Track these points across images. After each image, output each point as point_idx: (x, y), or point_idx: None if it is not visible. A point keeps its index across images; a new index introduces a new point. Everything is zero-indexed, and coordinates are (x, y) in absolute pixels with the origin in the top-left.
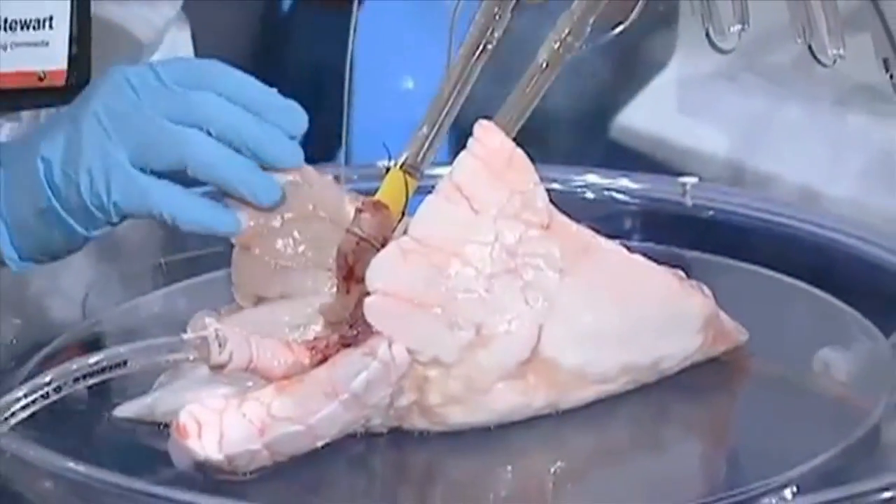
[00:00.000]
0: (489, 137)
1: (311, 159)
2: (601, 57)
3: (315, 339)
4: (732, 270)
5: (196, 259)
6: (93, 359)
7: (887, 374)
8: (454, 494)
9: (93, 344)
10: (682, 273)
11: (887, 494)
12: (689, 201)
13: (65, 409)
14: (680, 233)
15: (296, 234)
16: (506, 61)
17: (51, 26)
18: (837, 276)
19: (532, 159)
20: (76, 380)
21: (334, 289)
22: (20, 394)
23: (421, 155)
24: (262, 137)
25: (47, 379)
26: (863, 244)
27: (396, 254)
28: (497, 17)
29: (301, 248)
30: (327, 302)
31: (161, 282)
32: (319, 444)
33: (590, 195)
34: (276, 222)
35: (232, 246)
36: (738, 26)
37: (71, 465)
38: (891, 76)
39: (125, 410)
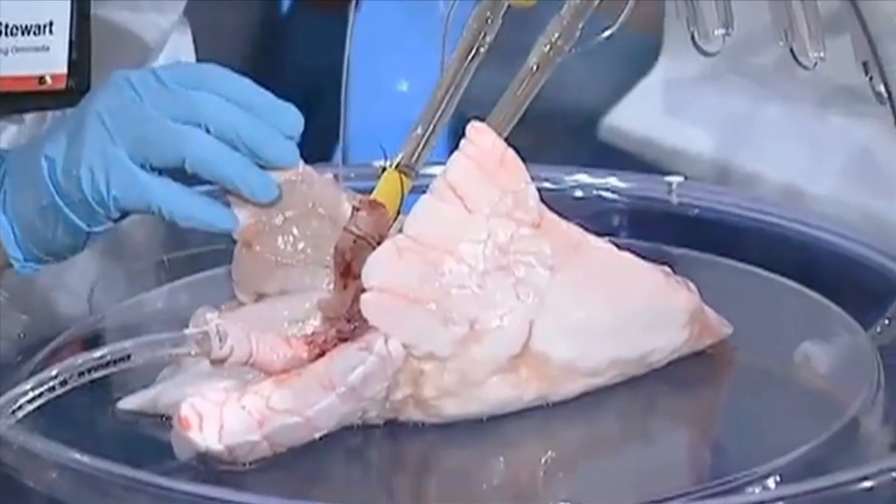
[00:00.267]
0: (482, 138)
1: (308, 159)
2: (590, 59)
3: (313, 333)
4: (717, 267)
5: (197, 256)
6: (98, 353)
7: (867, 368)
8: (449, 484)
9: (97, 339)
10: (668, 269)
11: (867, 484)
12: (674, 199)
13: (71, 402)
14: (666, 230)
15: (295, 231)
16: (498, 64)
17: (51, 31)
18: (818, 272)
19: (523, 159)
20: (81, 373)
21: (332, 285)
22: (27, 387)
23: (415, 155)
24: (260, 136)
25: (53, 373)
26: (843, 241)
27: (392, 251)
28: (489, 22)
29: (300, 246)
30: (325, 298)
31: (164, 278)
32: (317, 435)
33: (579, 194)
34: (277, 220)
35: (234, 243)
36: (723, 30)
37: (76, 456)
38: (870, 78)
39: (129, 403)
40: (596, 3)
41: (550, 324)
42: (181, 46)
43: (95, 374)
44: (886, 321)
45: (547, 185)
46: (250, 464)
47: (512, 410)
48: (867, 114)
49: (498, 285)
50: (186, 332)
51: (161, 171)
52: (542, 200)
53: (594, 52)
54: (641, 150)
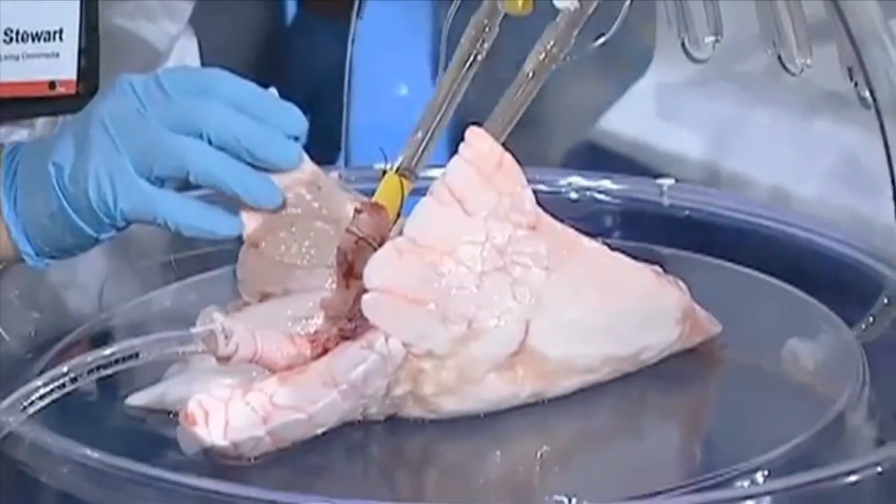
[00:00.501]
0: (480, 142)
1: (311, 161)
2: (584, 66)
3: (316, 332)
4: (707, 266)
5: (204, 256)
6: (107, 351)
7: (852, 364)
8: (447, 478)
9: (107, 337)
10: (659, 269)
11: (853, 478)
12: (666, 201)
13: (80, 399)
14: (658, 231)
15: (301, 233)
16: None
17: (61, 38)
18: (805, 272)
19: (520, 163)
20: (91, 371)
21: (334, 285)
22: (38, 384)
23: (415, 159)
24: (262, 140)
25: (64, 370)
26: (828, 241)
27: (393, 252)
28: (486, 30)
29: (305, 247)
30: (328, 297)
31: (171, 278)
32: (319, 431)
33: (573, 196)
34: (284, 222)
35: (240, 244)
36: (712, 37)
37: (86, 451)
38: (855, 84)
39: (137, 399)
40: (590, 12)
41: (546, 323)
42: (187, 52)
43: (104, 372)
44: (871, 319)
45: (542, 187)
46: (255, 458)
47: (509, 407)
48: (852, 118)
49: (495, 286)
50: (193, 330)
51: (165, 181)
52: (538, 202)
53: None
54: (633, 154)
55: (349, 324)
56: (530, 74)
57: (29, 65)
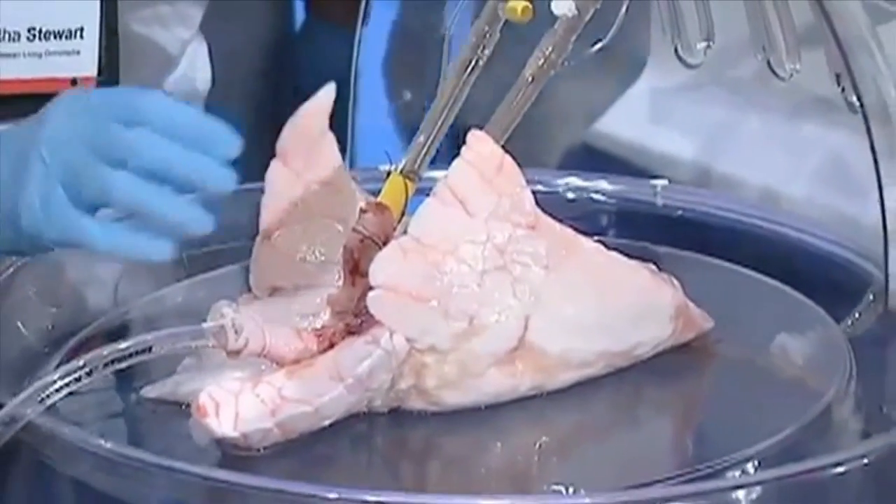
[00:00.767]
0: (481, 145)
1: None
2: (581, 71)
3: (323, 327)
4: (699, 265)
5: (215, 253)
6: (122, 345)
7: (839, 359)
8: (449, 468)
9: (121, 331)
10: (654, 267)
11: (840, 469)
12: (659, 201)
13: (96, 391)
14: (652, 230)
15: (313, 229)
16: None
17: (81, 37)
18: (794, 269)
19: (519, 165)
20: (106, 364)
21: (341, 282)
22: (55, 376)
23: (419, 161)
24: (192, 167)
25: (80, 363)
26: (816, 240)
27: (397, 251)
28: (487, 37)
29: (315, 245)
30: (334, 294)
31: (183, 275)
32: (326, 423)
33: (571, 196)
34: (298, 216)
35: (251, 241)
36: (704, 43)
37: (101, 441)
38: (842, 89)
39: (151, 392)
40: (587, 19)
41: (545, 319)
42: (198, 56)
43: (119, 365)
44: (857, 315)
45: (541, 188)
46: (264, 449)
47: (508, 400)
48: (840, 122)
49: (496, 284)
50: (204, 325)
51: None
52: (537, 203)
53: (585, 64)
54: (628, 155)
55: (355, 320)
56: (529, 79)
57: (51, 62)
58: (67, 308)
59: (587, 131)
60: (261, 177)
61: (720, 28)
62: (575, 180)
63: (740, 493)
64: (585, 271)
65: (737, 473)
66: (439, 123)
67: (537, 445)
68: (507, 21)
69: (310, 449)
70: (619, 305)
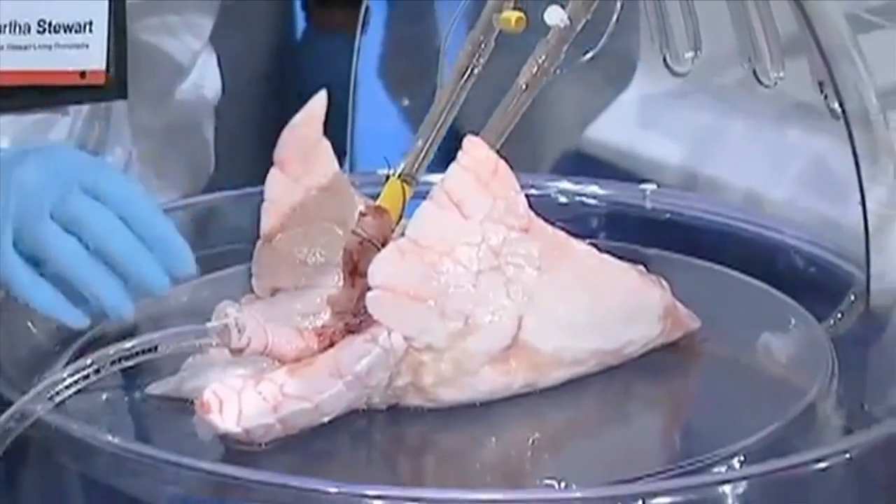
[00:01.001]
0: (476, 150)
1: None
2: (573, 79)
3: (323, 326)
4: (687, 266)
5: (219, 255)
6: (128, 344)
7: (822, 357)
8: (445, 463)
9: (128, 330)
10: (643, 269)
11: (823, 464)
12: (648, 205)
13: (104, 388)
14: (641, 233)
15: (313, 233)
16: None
17: (90, 30)
18: (778, 271)
19: (513, 169)
20: (113, 362)
21: (341, 283)
22: (64, 374)
23: (416, 165)
24: (136, 263)
25: (88, 361)
26: (799, 242)
27: (395, 253)
28: (482, 45)
29: (316, 247)
30: (334, 294)
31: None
32: (326, 419)
33: (563, 200)
34: (298, 221)
35: (254, 244)
36: (692, 52)
37: (108, 437)
38: (825, 96)
39: (156, 389)
40: (579, 29)
41: (538, 319)
42: (207, 66)
43: (126, 363)
44: (839, 315)
45: (534, 192)
46: (266, 444)
47: (502, 397)
48: (822, 128)
49: (490, 284)
50: (208, 324)
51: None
52: (530, 206)
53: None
54: (618, 161)
55: (354, 319)
56: (523, 87)
57: (60, 54)
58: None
59: (579, 137)
60: (264, 181)
61: (707, 38)
62: (567, 184)
63: (726, 488)
64: (577, 272)
65: (723, 468)
66: (436, 129)
67: (530, 441)
68: (501, 31)
69: (310, 444)
70: (609, 305)
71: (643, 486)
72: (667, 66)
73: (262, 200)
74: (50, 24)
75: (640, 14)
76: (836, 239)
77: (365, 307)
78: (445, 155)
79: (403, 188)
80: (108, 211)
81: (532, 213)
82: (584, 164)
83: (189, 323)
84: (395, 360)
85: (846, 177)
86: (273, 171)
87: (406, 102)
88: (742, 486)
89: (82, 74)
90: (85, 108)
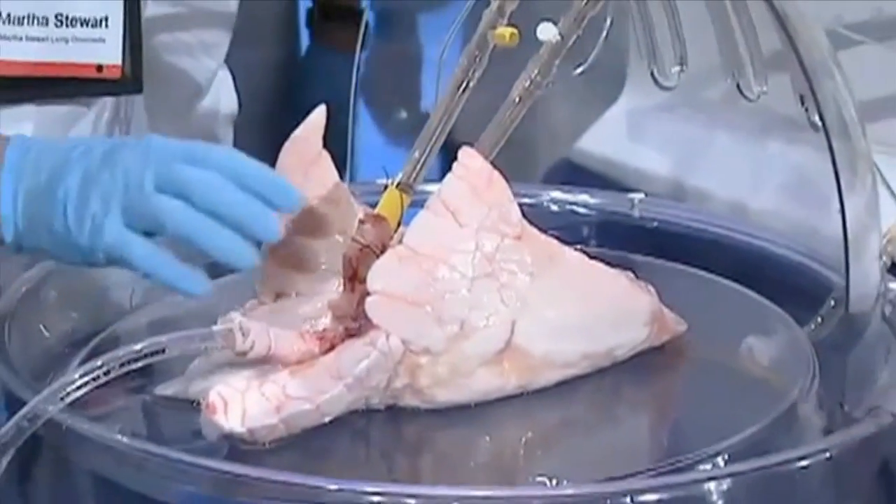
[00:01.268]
0: (471, 161)
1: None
2: (564, 92)
3: (324, 330)
4: (674, 272)
5: None
6: (137, 346)
7: (803, 360)
8: (441, 460)
9: (137, 333)
10: (631, 275)
11: (804, 462)
12: (637, 214)
13: (113, 389)
14: (629, 240)
15: (315, 242)
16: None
17: (106, 26)
18: (761, 277)
19: (507, 179)
20: (123, 364)
21: (341, 288)
22: (75, 376)
23: (413, 175)
24: (244, 211)
25: (98, 363)
26: (782, 249)
27: (393, 259)
28: (477, 60)
29: (318, 255)
30: (335, 299)
31: None
32: (327, 419)
33: (554, 209)
34: (300, 230)
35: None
36: (678, 67)
37: (117, 436)
38: (806, 109)
39: (164, 390)
40: (569, 44)
41: (530, 323)
42: (223, 84)
43: (135, 365)
44: (820, 319)
45: (527, 201)
46: (269, 443)
47: (496, 398)
48: (803, 140)
49: (485, 290)
50: (214, 328)
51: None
52: (523, 215)
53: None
54: (608, 171)
55: (354, 323)
56: (516, 100)
57: (77, 48)
58: (87, 312)
59: (570, 148)
60: None
61: (693, 53)
62: (558, 194)
63: (711, 485)
64: (568, 278)
65: (708, 466)
66: (433, 140)
67: (523, 440)
68: (495, 46)
69: (312, 443)
70: (599, 310)
71: (631, 484)
72: (654, 80)
73: None
74: (67, 18)
75: (629, 30)
76: (816, 246)
77: (364, 312)
78: (442, 165)
79: (401, 197)
80: (211, 171)
81: (525, 222)
82: (575, 174)
83: (196, 326)
84: (393, 362)
85: (826, 187)
86: None
87: (404, 115)
88: (726, 484)
89: (99, 68)
90: (105, 115)
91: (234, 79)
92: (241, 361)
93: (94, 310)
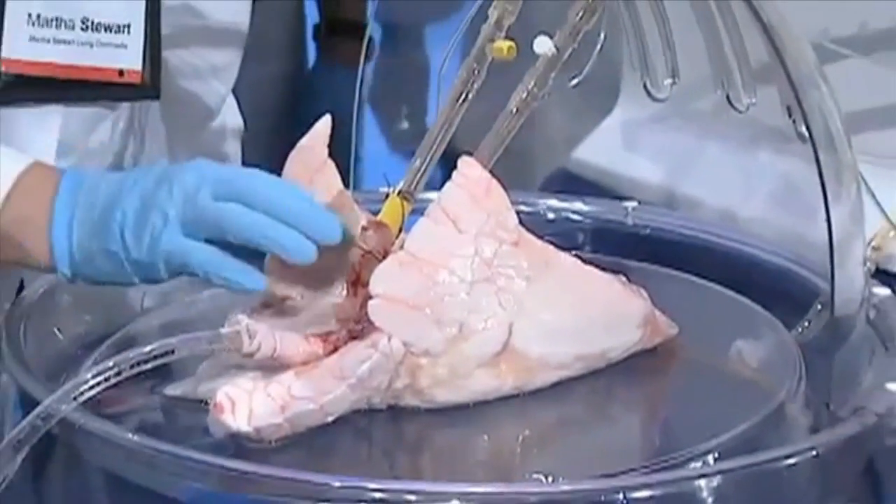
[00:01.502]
0: (470, 170)
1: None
2: (560, 104)
3: (328, 333)
4: (666, 277)
5: None
6: (147, 348)
7: (790, 362)
8: (440, 458)
9: (147, 336)
10: (624, 279)
11: (791, 460)
12: (630, 221)
13: (124, 389)
14: (623, 247)
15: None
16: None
17: (128, 32)
18: (750, 282)
19: (505, 187)
20: (133, 365)
21: (344, 292)
22: (88, 376)
23: (414, 183)
24: (300, 216)
25: (110, 364)
26: (770, 256)
27: (395, 264)
28: (476, 72)
29: (321, 259)
30: (338, 303)
31: (203, 285)
32: (330, 418)
33: (551, 216)
34: None
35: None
36: (670, 80)
37: (128, 435)
38: (793, 120)
39: (173, 390)
40: (565, 57)
41: (527, 325)
42: (228, 109)
43: (145, 366)
44: (806, 323)
45: (524, 208)
46: (274, 442)
47: (494, 398)
48: (791, 151)
49: (483, 293)
50: (222, 330)
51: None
52: (520, 221)
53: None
54: (602, 180)
55: (357, 326)
56: (514, 111)
57: (101, 52)
58: (99, 315)
59: (566, 158)
60: None
61: (684, 66)
62: (554, 202)
63: (702, 482)
64: (563, 283)
65: (698, 464)
66: (433, 150)
67: (519, 439)
68: (494, 59)
69: (316, 441)
70: (593, 313)
71: (624, 481)
72: (647, 92)
73: None
74: (92, 23)
75: (623, 44)
76: (803, 253)
77: (367, 315)
78: (442, 174)
79: (403, 204)
80: (266, 175)
81: (522, 228)
82: (571, 182)
83: (204, 329)
84: (394, 363)
85: (813, 196)
86: None
87: (405, 125)
88: (716, 481)
89: (120, 73)
90: (121, 123)
91: (241, 93)
92: (248, 363)
93: (106, 313)
